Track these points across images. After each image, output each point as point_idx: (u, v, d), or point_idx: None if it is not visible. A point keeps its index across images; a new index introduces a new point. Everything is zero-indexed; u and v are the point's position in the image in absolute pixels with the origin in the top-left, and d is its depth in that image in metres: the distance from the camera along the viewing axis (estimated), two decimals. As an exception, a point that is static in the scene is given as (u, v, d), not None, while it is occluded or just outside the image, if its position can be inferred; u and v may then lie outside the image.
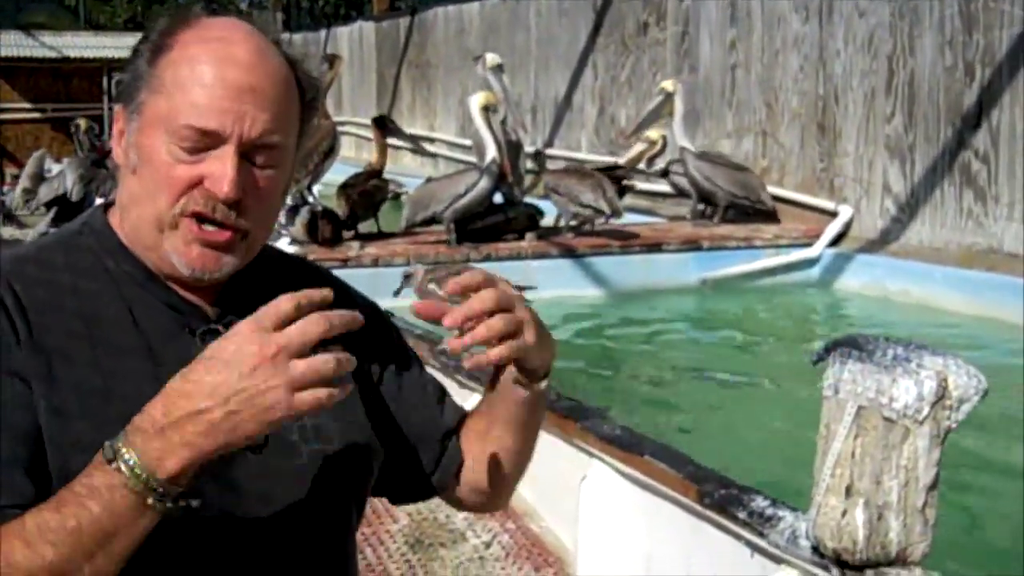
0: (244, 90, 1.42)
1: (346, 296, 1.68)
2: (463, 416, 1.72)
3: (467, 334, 1.42)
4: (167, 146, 1.42)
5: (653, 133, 9.35)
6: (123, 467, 1.24)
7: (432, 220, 8.16)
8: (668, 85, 9.08)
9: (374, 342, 1.65)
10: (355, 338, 1.63)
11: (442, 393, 1.72)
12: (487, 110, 8.04)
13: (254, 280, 1.53)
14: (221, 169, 1.42)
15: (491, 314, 1.44)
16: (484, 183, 8.00)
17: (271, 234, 1.55)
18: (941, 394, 2.22)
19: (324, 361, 1.25)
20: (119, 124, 1.50)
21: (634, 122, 9.13)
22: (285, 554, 1.45)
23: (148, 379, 1.40)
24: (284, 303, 1.27)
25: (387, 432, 1.63)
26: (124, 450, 1.24)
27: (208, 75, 1.42)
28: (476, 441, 1.67)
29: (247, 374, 1.23)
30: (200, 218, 1.43)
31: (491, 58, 8.72)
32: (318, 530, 1.49)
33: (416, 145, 8.85)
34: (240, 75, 1.42)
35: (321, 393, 1.25)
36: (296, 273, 1.64)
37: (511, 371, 1.53)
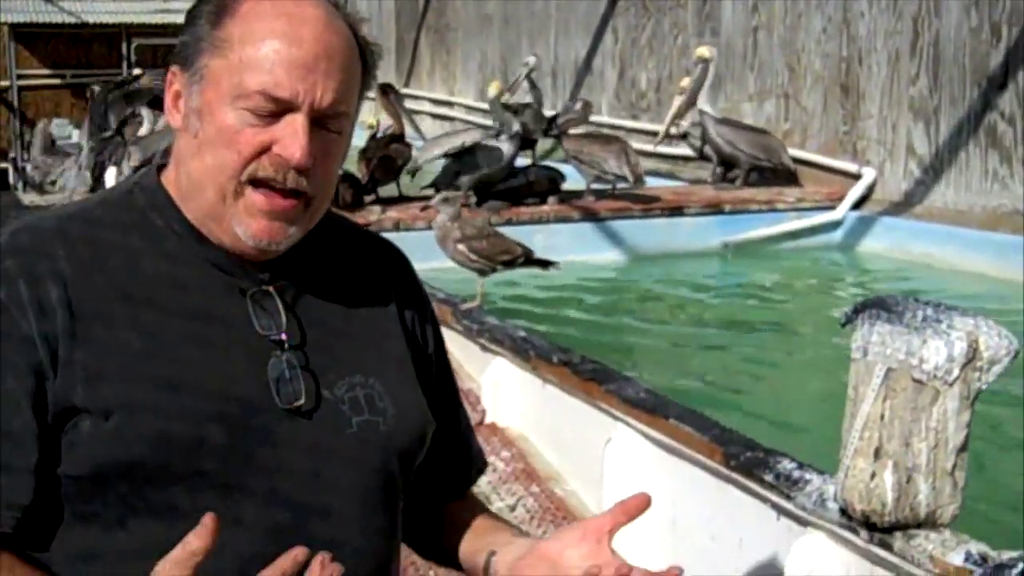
0: (318, 58, 1.40)
1: (403, 266, 1.67)
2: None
3: None
4: (235, 111, 1.40)
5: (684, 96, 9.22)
6: None
7: (453, 184, 8.13)
8: (705, 52, 8.95)
9: (425, 315, 1.65)
10: (416, 304, 1.63)
11: (468, 431, 1.75)
12: (500, 96, 8.18)
13: (308, 241, 1.51)
14: (293, 136, 1.40)
15: None
16: (506, 147, 8.00)
17: (330, 200, 1.53)
18: (971, 355, 2.20)
19: None
20: (175, 87, 1.47)
21: (685, 98, 9.00)
22: (330, 525, 1.43)
23: (192, 338, 1.41)
24: None
25: (436, 404, 1.61)
26: None
27: (280, 41, 1.39)
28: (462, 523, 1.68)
29: None
30: (267, 184, 1.41)
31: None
32: (364, 502, 1.47)
33: (411, 121, 8.83)
34: (313, 42, 1.40)
35: None
36: (349, 237, 1.62)
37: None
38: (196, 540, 1.25)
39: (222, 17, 1.43)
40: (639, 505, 1.49)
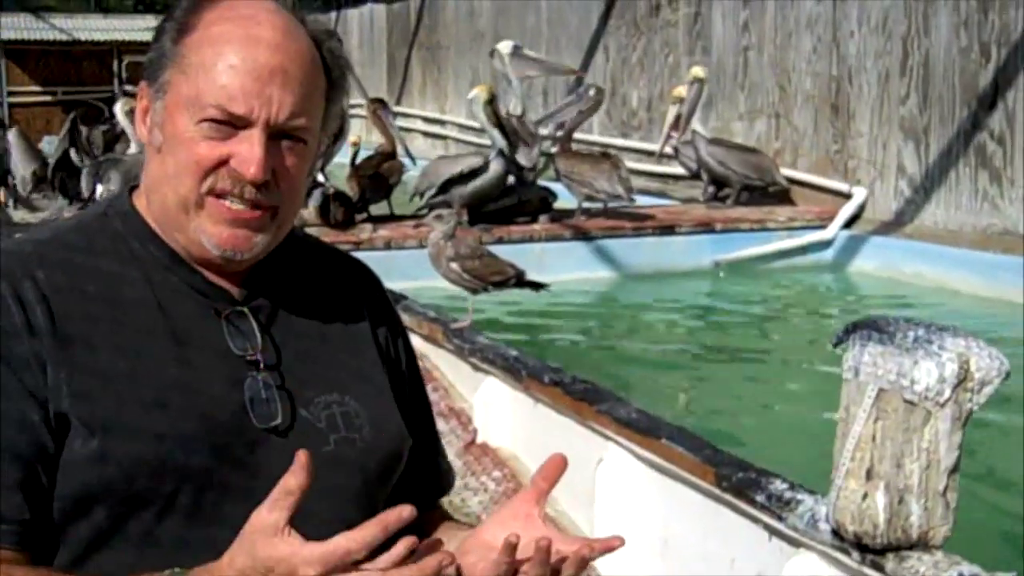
0: (273, 72, 1.41)
1: (373, 285, 1.67)
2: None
3: None
4: (193, 125, 1.41)
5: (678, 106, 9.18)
6: None
7: (444, 203, 8.12)
8: (699, 72, 8.95)
9: (397, 332, 1.65)
10: (388, 321, 1.63)
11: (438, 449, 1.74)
12: (490, 104, 7.99)
13: (280, 262, 1.53)
14: (249, 151, 1.41)
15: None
16: (495, 167, 7.98)
17: (298, 212, 1.53)
18: (963, 376, 2.20)
19: None
20: (144, 102, 1.49)
21: (684, 110, 8.98)
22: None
23: (173, 362, 1.41)
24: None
25: (410, 420, 1.61)
26: None
27: (236, 56, 1.40)
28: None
29: None
30: (227, 196, 1.42)
31: (504, 46, 8.70)
32: (342, 522, 1.43)
33: (399, 139, 8.80)
34: (268, 57, 1.41)
35: None
36: (321, 257, 1.63)
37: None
38: (292, 479, 1.25)
39: (183, 32, 1.44)
40: (556, 467, 1.47)
